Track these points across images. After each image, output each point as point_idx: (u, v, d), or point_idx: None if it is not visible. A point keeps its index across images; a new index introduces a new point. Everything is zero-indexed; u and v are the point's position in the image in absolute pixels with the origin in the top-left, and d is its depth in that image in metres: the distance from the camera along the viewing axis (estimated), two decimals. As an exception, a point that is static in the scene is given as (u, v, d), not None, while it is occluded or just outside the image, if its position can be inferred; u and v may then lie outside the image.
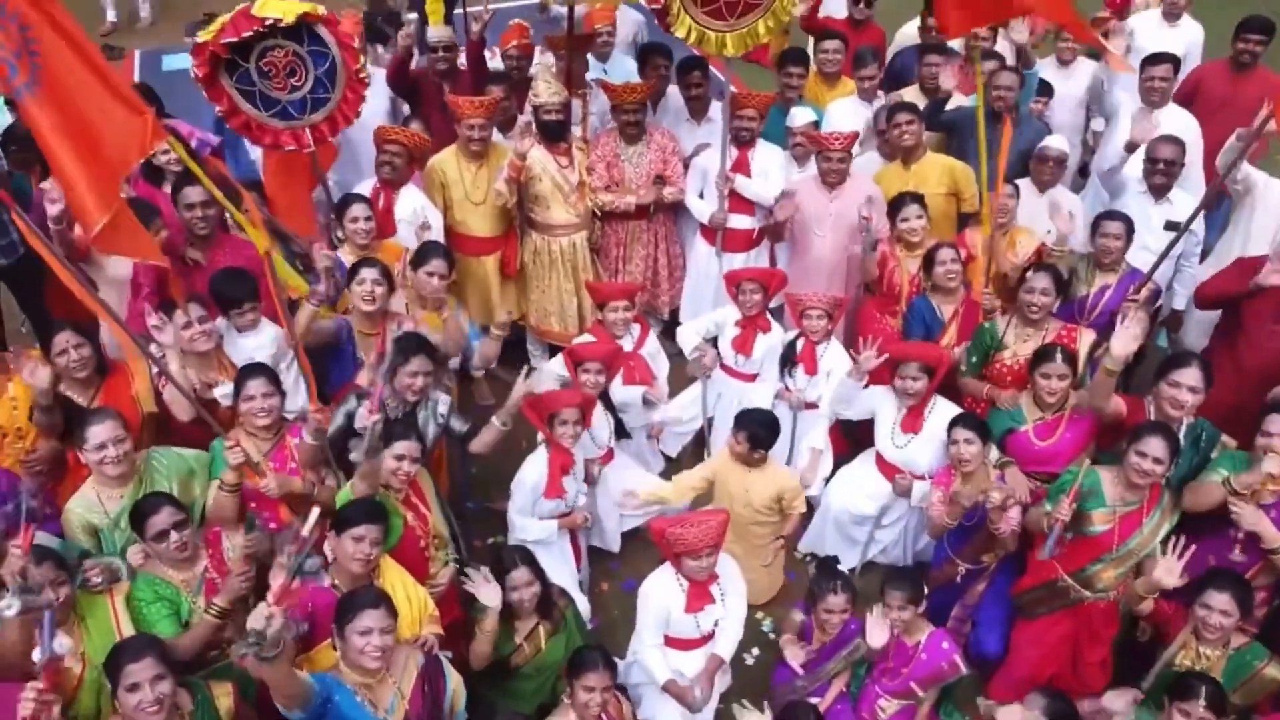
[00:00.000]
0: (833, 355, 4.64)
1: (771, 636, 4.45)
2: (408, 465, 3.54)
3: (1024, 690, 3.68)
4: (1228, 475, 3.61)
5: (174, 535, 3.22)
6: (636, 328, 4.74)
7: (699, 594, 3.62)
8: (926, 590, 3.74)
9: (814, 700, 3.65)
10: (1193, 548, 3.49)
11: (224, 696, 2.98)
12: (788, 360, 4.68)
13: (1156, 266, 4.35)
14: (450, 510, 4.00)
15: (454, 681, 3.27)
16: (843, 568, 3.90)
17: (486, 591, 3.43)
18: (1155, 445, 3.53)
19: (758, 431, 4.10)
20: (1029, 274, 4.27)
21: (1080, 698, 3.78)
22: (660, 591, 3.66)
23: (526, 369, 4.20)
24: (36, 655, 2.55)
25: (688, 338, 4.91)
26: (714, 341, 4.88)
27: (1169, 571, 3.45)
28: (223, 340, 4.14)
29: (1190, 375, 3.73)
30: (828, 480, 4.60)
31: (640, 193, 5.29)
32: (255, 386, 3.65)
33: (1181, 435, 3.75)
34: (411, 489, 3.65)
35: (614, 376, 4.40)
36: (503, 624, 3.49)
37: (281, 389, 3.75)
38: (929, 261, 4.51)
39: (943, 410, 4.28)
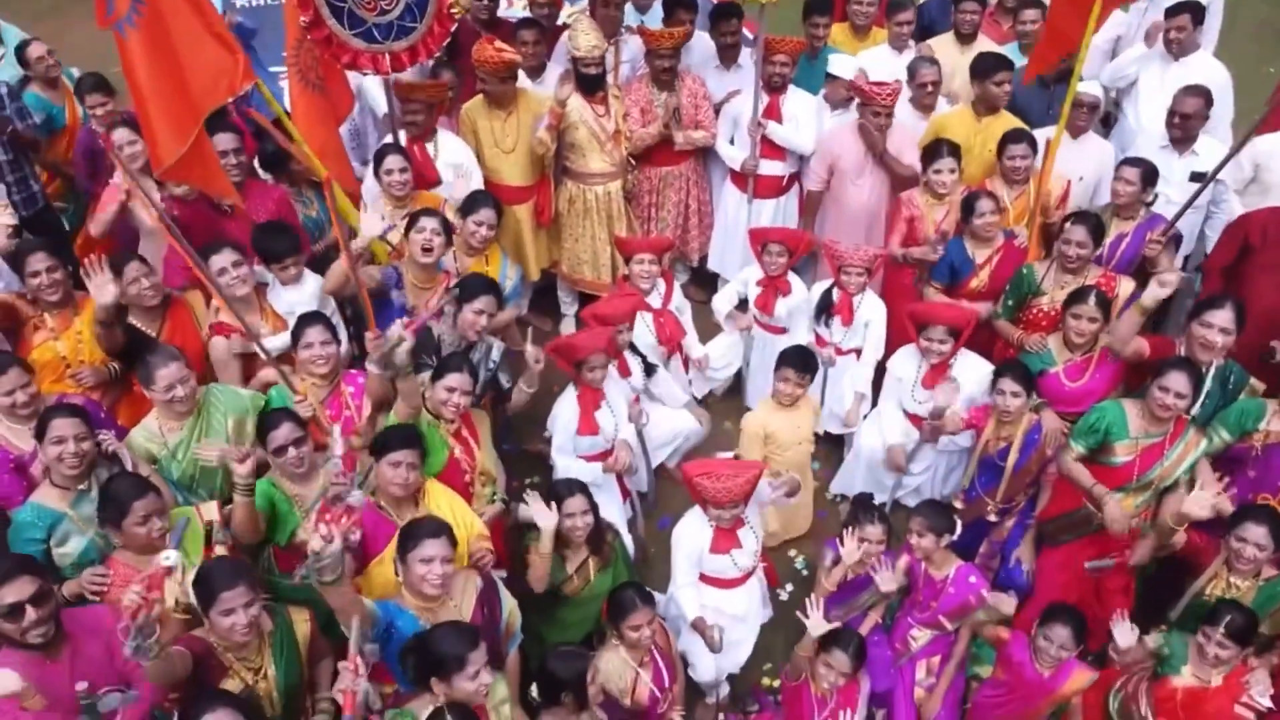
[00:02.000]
0: (869, 306, 4.68)
1: (805, 573, 4.58)
2: (458, 397, 3.62)
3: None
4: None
5: (292, 451, 3.37)
6: (662, 284, 4.78)
7: (723, 538, 3.71)
8: (959, 524, 3.84)
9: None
10: (1233, 489, 3.60)
11: (302, 623, 3.11)
12: (824, 310, 4.71)
13: (1180, 215, 4.38)
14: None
15: (509, 604, 3.39)
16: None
17: (542, 512, 3.52)
18: (1178, 380, 3.62)
19: (806, 363, 4.21)
20: (1067, 225, 4.29)
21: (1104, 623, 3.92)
22: (691, 533, 3.76)
23: (532, 330, 4.26)
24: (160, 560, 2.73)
25: (720, 307, 4.99)
26: (743, 303, 4.94)
27: (1198, 504, 3.53)
28: (268, 289, 4.18)
29: (1222, 316, 3.79)
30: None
31: (667, 123, 5.23)
32: (314, 334, 3.73)
33: (1210, 376, 3.84)
34: (465, 423, 3.73)
35: (635, 325, 4.49)
36: (555, 555, 3.59)
37: (338, 337, 3.80)
38: (968, 210, 4.50)
39: (964, 361, 4.32)
